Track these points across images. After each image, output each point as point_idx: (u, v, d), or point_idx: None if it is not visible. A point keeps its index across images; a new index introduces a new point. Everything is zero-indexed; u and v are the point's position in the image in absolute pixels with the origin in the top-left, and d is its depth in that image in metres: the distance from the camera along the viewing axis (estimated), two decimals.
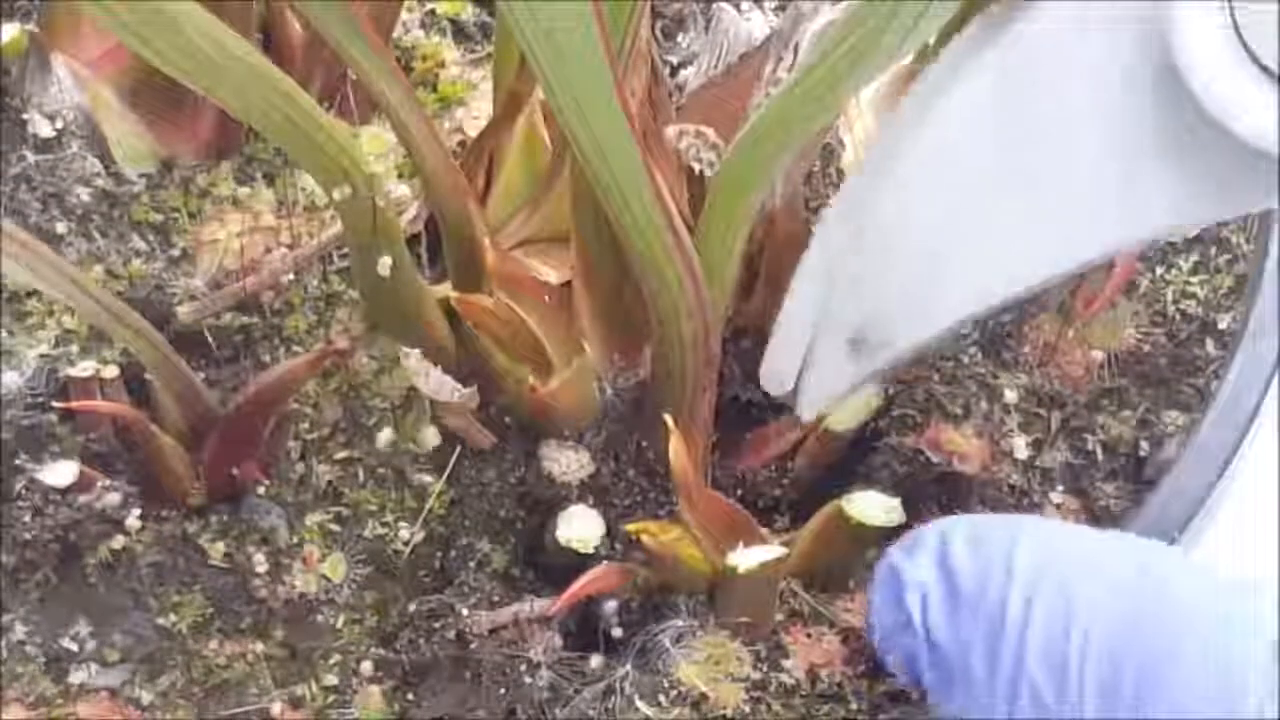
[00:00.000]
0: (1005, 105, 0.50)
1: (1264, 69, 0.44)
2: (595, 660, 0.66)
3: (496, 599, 0.68)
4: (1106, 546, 0.37)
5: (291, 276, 0.74)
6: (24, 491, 0.66)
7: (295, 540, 0.70)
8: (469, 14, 0.87)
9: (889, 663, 0.46)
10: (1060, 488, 0.71)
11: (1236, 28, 0.44)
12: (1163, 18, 0.45)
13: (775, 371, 0.59)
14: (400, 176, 0.78)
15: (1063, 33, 0.48)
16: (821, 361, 0.57)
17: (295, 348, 0.73)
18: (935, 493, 0.70)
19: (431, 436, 0.72)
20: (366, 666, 0.69)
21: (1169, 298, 0.76)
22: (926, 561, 0.38)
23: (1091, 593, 0.35)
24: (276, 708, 0.67)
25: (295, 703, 0.68)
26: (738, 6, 0.79)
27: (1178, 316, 0.76)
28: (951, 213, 0.52)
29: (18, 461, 0.67)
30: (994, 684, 0.35)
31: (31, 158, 0.73)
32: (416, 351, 0.66)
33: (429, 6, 0.86)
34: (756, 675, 0.65)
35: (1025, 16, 0.49)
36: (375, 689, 0.68)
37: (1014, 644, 0.34)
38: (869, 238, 0.54)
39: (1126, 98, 0.47)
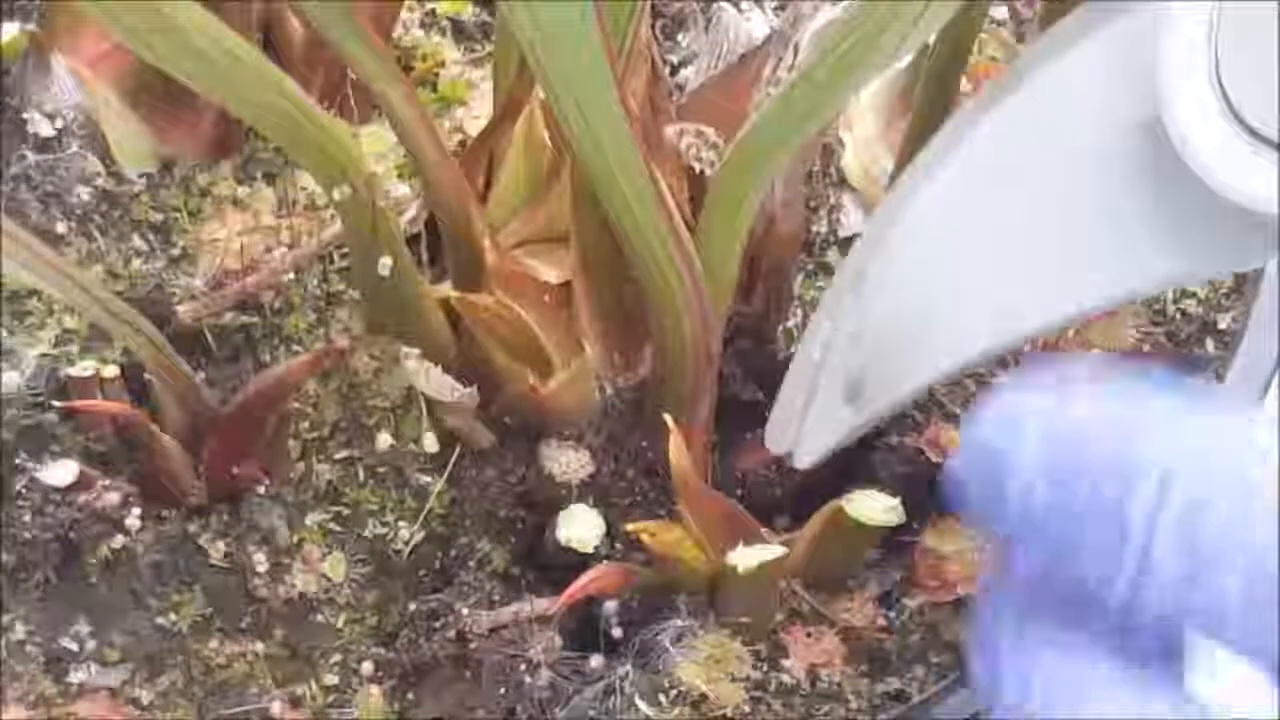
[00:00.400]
0: (1004, 164, 0.50)
1: (1257, 136, 0.44)
2: (595, 660, 0.66)
3: (496, 599, 0.68)
4: (1236, 436, 0.35)
5: (291, 276, 0.74)
6: (24, 491, 0.66)
7: (295, 540, 0.70)
8: (469, 14, 0.86)
9: (980, 527, 0.44)
10: None
11: (1228, 100, 0.44)
12: (1155, 88, 0.45)
13: (780, 430, 0.59)
14: (400, 176, 0.78)
15: (1063, 95, 0.49)
16: (819, 413, 0.58)
17: (295, 348, 0.73)
18: (936, 492, 0.70)
19: (432, 437, 0.72)
20: (366, 666, 0.69)
21: (1169, 298, 0.76)
22: (1033, 446, 0.35)
23: (1233, 492, 0.32)
24: (276, 707, 0.67)
25: (295, 702, 0.68)
26: (738, 6, 0.79)
27: (1178, 316, 0.76)
28: (948, 265, 0.53)
29: (18, 461, 0.67)
30: (1118, 560, 0.33)
31: (31, 158, 0.73)
32: (416, 351, 0.66)
33: (429, 6, 0.86)
34: (756, 675, 0.65)
35: (1020, 85, 0.49)
36: (375, 689, 0.68)
37: (1142, 533, 0.32)
38: (867, 289, 0.54)
39: (1126, 158, 0.47)
